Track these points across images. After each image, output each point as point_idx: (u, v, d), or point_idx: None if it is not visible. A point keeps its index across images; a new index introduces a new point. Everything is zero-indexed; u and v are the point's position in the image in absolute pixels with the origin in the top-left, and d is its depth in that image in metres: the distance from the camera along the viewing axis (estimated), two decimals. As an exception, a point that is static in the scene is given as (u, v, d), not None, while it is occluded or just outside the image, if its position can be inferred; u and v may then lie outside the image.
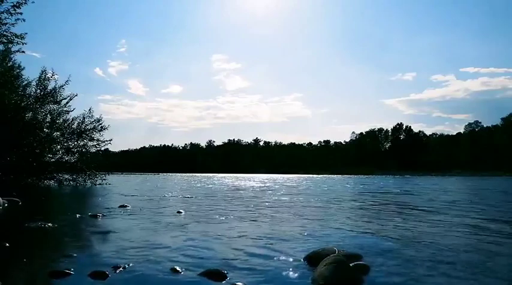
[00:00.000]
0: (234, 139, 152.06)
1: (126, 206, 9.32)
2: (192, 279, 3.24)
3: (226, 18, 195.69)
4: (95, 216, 7.28)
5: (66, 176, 21.33)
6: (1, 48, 16.93)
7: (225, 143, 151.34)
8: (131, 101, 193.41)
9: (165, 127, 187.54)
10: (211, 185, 24.00)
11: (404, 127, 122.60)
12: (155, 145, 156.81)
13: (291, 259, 3.93)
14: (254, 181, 35.21)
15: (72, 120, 21.65)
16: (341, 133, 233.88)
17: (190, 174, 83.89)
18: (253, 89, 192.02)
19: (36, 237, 5.20)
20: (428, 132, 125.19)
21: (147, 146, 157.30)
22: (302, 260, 3.87)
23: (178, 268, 3.46)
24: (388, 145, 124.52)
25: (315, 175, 77.87)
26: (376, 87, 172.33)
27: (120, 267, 3.46)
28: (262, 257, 4.02)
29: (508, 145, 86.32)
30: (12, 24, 14.95)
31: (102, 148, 23.03)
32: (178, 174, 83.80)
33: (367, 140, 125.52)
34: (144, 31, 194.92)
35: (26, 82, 21.53)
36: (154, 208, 9.21)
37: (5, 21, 14.82)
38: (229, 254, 4.11)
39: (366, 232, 5.71)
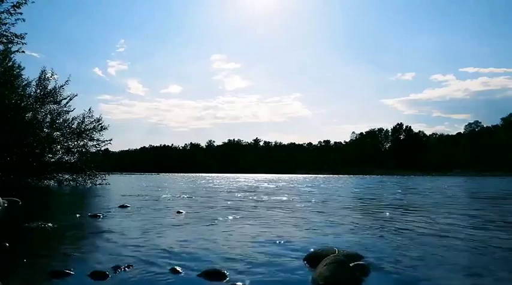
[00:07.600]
0: (233, 139, 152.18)
1: (126, 206, 9.32)
2: (192, 279, 3.25)
3: (225, 18, 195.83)
4: (95, 216, 7.28)
5: (66, 176, 21.36)
6: (1, 48, 16.94)
7: (225, 143, 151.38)
8: (131, 101, 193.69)
9: (165, 127, 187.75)
10: (211, 185, 23.99)
11: (404, 127, 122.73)
12: (155, 145, 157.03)
13: (291, 259, 3.93)
14: (254, 181, 35.20)
15: (72, 119, 21.70)
16: (341, 133, 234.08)
17: (190, 174, 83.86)
18: (252, 89, 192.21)
19: (36, 237, 5.19)
20: (428, 132, 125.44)
21: (147, 146, 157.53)
22: (302, 260, 3.87)
23: (178, 268, 3.46)
24: (388, 145, 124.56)
25: (314, 175, 77.86)
26: (376, 87, 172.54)
27: (120, 267, 3.46)
28: (262, 257, 4.02)
29: (508, 145, 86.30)
30: (12, 24, 14.99)
31: (102, 148, 23.09)
32: (178, 174, 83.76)
33: (367, 140, 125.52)
34: (143, 31, 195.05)
35: (26, 82, 21.60)
36: (154, 208, 9.21)
37: (5, 21, 14.85)
38: (229, 254, 4.11)
39: (366, 232, 5.71)
